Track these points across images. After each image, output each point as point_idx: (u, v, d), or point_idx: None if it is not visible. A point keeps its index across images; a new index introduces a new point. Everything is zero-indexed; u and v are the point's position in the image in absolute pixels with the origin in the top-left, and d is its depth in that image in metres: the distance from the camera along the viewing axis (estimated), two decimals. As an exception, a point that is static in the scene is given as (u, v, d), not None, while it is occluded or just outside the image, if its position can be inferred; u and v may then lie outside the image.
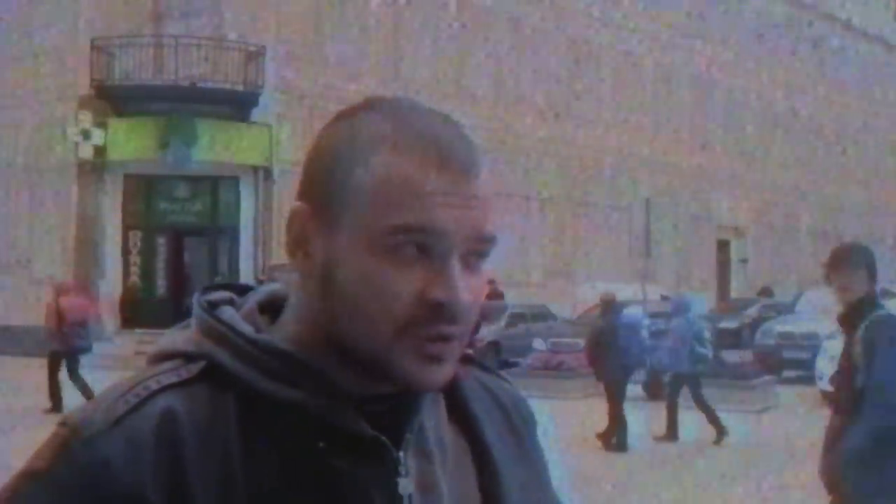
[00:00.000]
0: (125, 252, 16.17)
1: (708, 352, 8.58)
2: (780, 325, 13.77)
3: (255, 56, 15.95)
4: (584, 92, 22.58)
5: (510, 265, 20.24)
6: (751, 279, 27.00)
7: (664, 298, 17.54)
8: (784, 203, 28.89)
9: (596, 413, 9.47)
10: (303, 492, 0.65)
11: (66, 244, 16.20)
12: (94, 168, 15.82)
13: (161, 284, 16.51)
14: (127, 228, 16.18)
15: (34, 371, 12.90)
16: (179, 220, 16.49)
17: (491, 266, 0.72)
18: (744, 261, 27.26)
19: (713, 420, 8.20)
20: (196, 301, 0.71)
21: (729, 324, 17.70)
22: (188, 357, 0.68)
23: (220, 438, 0.65)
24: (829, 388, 10.90)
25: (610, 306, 8.69)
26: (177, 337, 0.71)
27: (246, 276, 15.55)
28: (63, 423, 0.67)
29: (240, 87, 15.80)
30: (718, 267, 26.51)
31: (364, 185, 0.64)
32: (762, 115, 28.26)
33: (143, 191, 16.36)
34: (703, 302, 12.17)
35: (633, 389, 11.42)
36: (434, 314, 0.64)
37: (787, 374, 12.28)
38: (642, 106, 24.14)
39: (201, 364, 0.67)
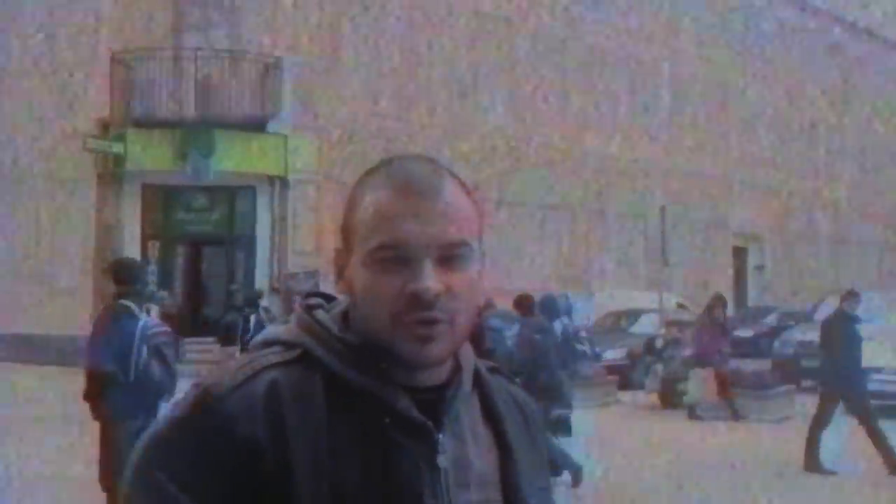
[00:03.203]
0: (143, 262, 16.31)
1: (586, 349, 9.10)
2: (799, 334, 13.58)
3: (271, 68, 16.10)
4: (599, 100, 22.57)
5: (526, 273, 20.22)
6: (768, 287, 26.81)
7: (680, 307, 17.47)
8: (801, 210, 28.69)
9: (611, 421, 9.45)
10: (369, 453, 0.85)
11: (85, 254, 16.36)
12: (114, 179, 15.99)
13: (178, 294, 16.63)
14: (145, 238, 16.32)
15: (54, 380, 13.02)
16: (197, 230, 16.62)
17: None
18: (759, 267, 27.09)
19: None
20: (298, 304, 0.95)
21: (745, 332, 17.56)
22: (287, 345, 0.90)
23: (310, 405, 0.85)
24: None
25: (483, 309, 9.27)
26: (278, 329, 0.93)
27: (262, 284, 15.65)
28: (198, 385, 0.87)
29: (257, 99, 15.94)
30: (735, 275, 26.34)
31: (359, 220, 0.88)
32: (778, 121, 28.11)
33: (162, 201, 16.50)
34: (580, 304, 13.38)
35: (646, 398, 11.42)
36: (413, 303, 0.84)
37: (806, 383, 12.16)
38: (657, 114, 24.10)
39: (298, 350, 0.89)
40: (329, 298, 0.96)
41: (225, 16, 16.39)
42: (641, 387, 11.87)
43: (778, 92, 27.95)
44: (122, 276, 4.55)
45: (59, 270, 16.76)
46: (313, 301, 0.94)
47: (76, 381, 13.63)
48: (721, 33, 25.86)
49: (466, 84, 19.91)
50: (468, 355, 0.95)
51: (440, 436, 0.87)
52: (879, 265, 30.59)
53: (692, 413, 9.96)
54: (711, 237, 25.13)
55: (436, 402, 0.88)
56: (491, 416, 0.94)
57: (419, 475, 0.86)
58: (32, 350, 15.60)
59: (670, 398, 10.96)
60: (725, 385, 9.87)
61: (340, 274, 0.91)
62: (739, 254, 26.64)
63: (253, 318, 10.81)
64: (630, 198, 22.83)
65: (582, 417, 9.05)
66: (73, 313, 16.11)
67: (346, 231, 0.90)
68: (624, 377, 12.55)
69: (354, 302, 0.88)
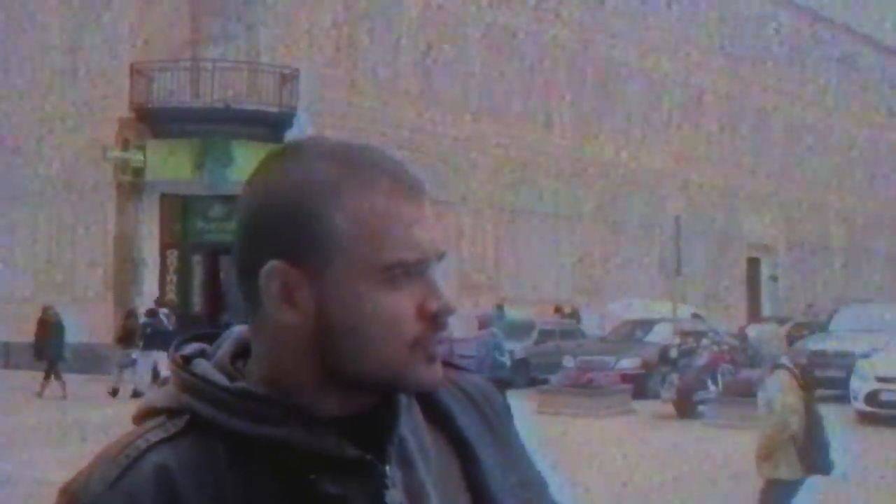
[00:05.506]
0: (162, 270, 16.51)
1: (506, 360, 9.47)
2: (813, 344, 13.61)
3: (288, 79, 16.30)
4: (612, 111, 22.67)
5: (541, 283, 20.30)
6: (782, 297, 26.75)
7: (695, 316, 17.50)
8: (815, 220, 28.64)
9: (626, 430, 9.50)
10: None
11: (105, 263, 16.58)
12: (133, 188, 16.20)
13: (197, 302, 16.81)
14: (164, 247, 16.52)
15: (69, 384, 13.18)
16: (215, 239, 16.79)
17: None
18: (773, 278, 27.05)
19: None
20: (170, 358, 0.74)
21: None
22: (171, 412, 0.70)
23: (215, 484, 0.67)
24: (865, 408, 10.81)
25: None
26: (158, 394, 0.73)
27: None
28: (63, 492, 0.67)
29: (274, 109, 16.13)
30: (748, 285, 26.31)
31: (344, 227, 0.67)
32: (791, 132, 28.11)
33: (180, 210, 16.70)
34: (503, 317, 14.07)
35: (664, 407, 11.49)
36: (434, 323, 0.69)
37: (821, 393, 12.16)
38: (671, 124, 24.18)
39: (185, 417, 0.69)
40: (211, 337, 0.76)
41: (243, 28, 16.64)
42: (656, 396, 11.93)
43: (790, 102, 27.96)
44: None
45: (78, 279, 16.98)
46: (189, 349, 0.74)
47: (89, 388, 13.77)
48: (733, 45, 25.92)
49: (480, 95, 20.07)
50: None
51: (386, 467, 0.71)
52: (891, 275, 30.43)
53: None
54: (725, 248, 25.14)
55: (372, 428, 0.71)
56: (438, 417, 0.78)
57: None
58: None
59: (685, 407, 11.01)
60: None
61: (285, 298, 0.68)
62: (753, 265, 26.62)
63: (149, 328, 12.00)
64: (644, 208, 22.89)
65: (592, 425, 9.12)
66: (92, 321, 16.31)
67: (304, 239, 0.68)
68: (639, 386, 12.61)
69: (327, 334, 0.68)
